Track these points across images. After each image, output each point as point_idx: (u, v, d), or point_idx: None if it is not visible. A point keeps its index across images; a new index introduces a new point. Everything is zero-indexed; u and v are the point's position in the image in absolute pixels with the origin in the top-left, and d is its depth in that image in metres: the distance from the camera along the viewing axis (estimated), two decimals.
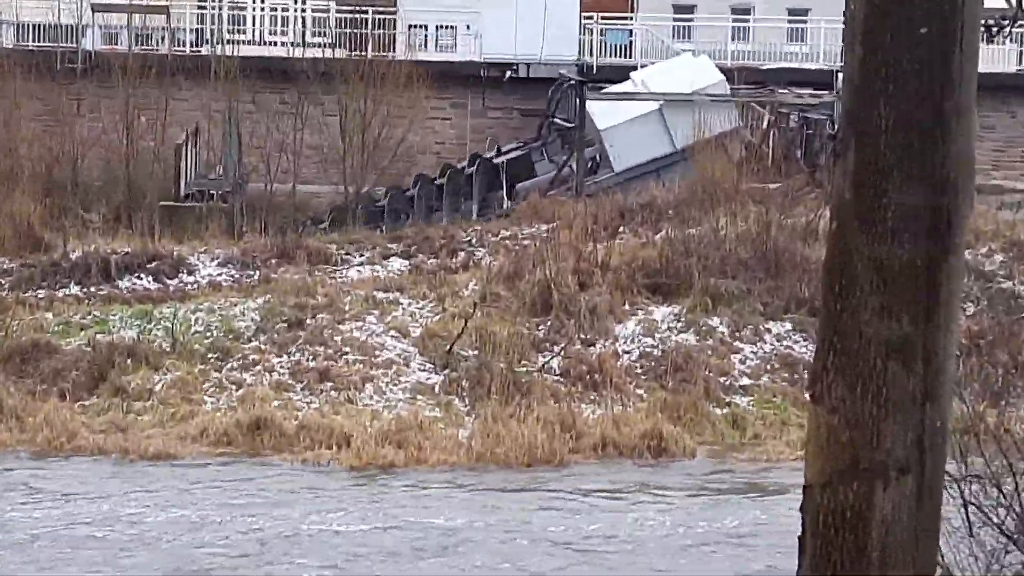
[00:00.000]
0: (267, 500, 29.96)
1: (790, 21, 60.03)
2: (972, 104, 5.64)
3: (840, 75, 53.54)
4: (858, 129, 5.72)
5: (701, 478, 32.30)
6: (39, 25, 57.16)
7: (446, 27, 58.41)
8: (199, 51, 55.74)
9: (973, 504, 6.99)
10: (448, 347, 37.14)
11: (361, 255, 43.48)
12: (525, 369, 36.46)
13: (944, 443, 5.84)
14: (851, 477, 5.73)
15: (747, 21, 60.42)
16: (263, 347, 37.54)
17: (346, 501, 29.88)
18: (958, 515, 6.77)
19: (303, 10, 60.85)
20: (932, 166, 5.63)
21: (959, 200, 5.65)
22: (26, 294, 40.02)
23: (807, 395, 5.77)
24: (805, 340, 37.60)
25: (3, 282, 39.68)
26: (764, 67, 54.27)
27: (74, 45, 55.22)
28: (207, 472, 31.67)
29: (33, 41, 55.71)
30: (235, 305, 39.32)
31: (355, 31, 56.95)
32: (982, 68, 6.24)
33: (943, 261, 5.74)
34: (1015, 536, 6.94)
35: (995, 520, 6.92)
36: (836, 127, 5.65)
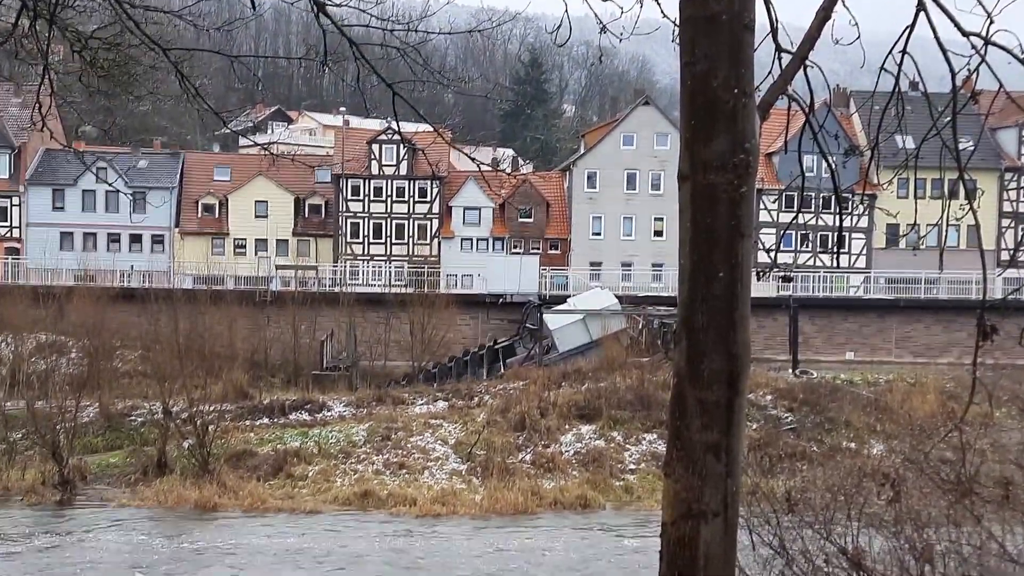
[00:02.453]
0: (372, 533, 29.54)
1: (653, 269, 60.76)
2: (747, 312, 5.74)
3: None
4: (687, 327, 5.80)
5: (608, 519, 31.89)
6: (247, 277, 57.75)
7: (468, 275, 59.14)
8: (334, 289, 56.10)
9: (755, 532, 7.00)
10: (469, 450, 36.89)
11: (422, 399, 43.34)
12: (511, 460, 36.15)
13: (738, 499, 5.87)
14: (687, 518, 5.74)
15: (630, 270, 61.13)
16: (368, 450, 37.22)
17: (413, 534, 29.47)
18: (748, 539, 6.80)
19: (389, 266, 61.55)
20: (728, 347, 5.71)
21: (743, 366, 5.75)
22: (239, 423, 39.79)
23: (663, 472, 5.81)
24: (663, 443, 37.25)
25: (227, 417, 39.55)
26: (640, 295, 54.72)
27: (265, 288, 55.71)
28: (338, 520, 31.27)
29: (244, 286, 56.16)
30: (353, 427, 39.06)
31: (418, 277, 57.59)
32: (756, 293, 6.38)
33: (735, 399, 5.79)
34: (778, 550, 6.96)
35: (767, 540, 6.94)
36: (676, 327, 5.85)
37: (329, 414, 41.41)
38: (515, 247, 62.80)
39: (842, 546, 6.60)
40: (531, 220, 63.44)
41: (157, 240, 63.17)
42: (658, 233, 62.10)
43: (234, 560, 26.22)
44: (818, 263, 60.38)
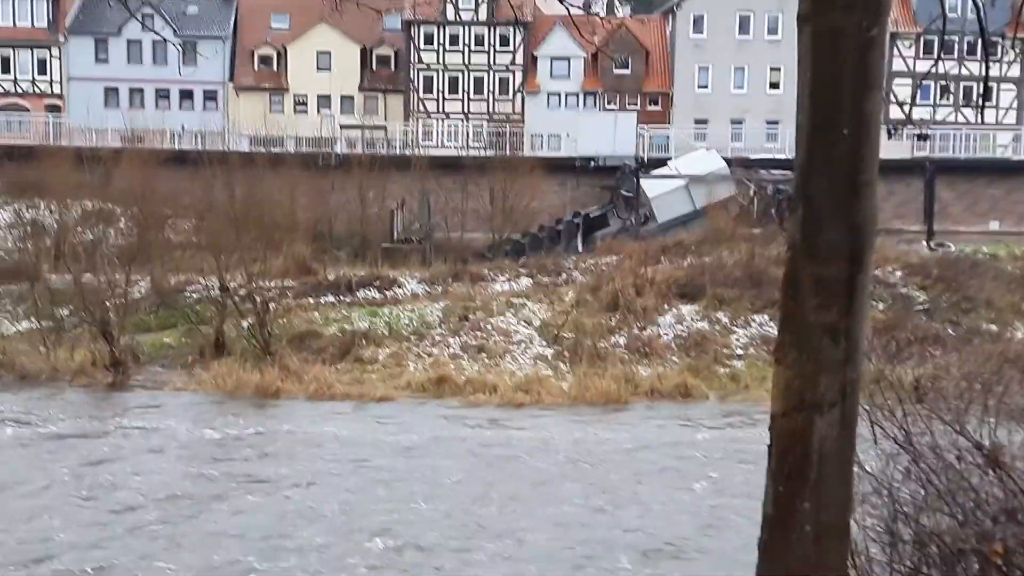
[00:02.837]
0: (446, 421, 30.11)
1: (767, 127, 59.61)
2: (875, 178, 5.64)
3: None
4: (803, 195, 5.72)
5: (711, 410, 32.05)
6: (309, 138, 58.01)
7: (555, 135, 58.64)
8: (405, 152, 56.21)
9: (877, 425, 6.96)
10: (556, 332, 37.12)
11: (503, 276, 43.53)
12: (603, 345, 36.36)
13: (858, 388, 5.83)
14: (799, 409, 5.73)
15: (740, 128, 60.06)
16: (444, 332, 37.64)
17: (494, 424, 29.95)
18: (869, 432, 6.76)
19: (467, 125, 61.33)
20: (850, 217, 5.63)
21: (867, 238, 5.66)
22: (302, 301, 40.42)
23: (773, 358, 5.79)
24: (775, 326, 37.08)
25: (289, 294, 40.19)
26: (751, 157, 53.87)
27: (329, 150, 56.00)
28: (409, 407, 31.90)
29: (306, 148, 56.50)
30: (427, 307, 39.47)
31: (499, 138, 57.34)
32: (886, 154, 6.22)
33: (857, 276, 5.73)
34: (904, 444, 6.92)
35: (890, 434, 6.90)
36: (792, 193, 5.72)
37: (400, 292, 41.87)
38: (609, 103, 62.01)
39: (978, 441, 6.53)
40: (628, 72, 62.41)
41: (210, 96, 63.63)
42: (774, 85, 60.68)
43: (300, 450, 26.95)
44: (960, 119, 58.64)
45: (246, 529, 20.94)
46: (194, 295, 40.67)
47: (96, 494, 23.08)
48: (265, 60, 64.17)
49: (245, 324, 36.50)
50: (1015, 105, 61.46)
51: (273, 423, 29.74)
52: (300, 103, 63.66)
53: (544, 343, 36.78)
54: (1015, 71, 59.63)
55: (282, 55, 63.82)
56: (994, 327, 37.42)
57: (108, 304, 36.34)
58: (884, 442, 7.15)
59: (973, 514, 6.16)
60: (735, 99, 61.28)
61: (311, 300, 40.70)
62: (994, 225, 54.22)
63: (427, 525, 21.22)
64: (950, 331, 36.16)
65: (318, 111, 62.84)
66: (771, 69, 60.72)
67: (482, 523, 21.45)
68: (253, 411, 31.02)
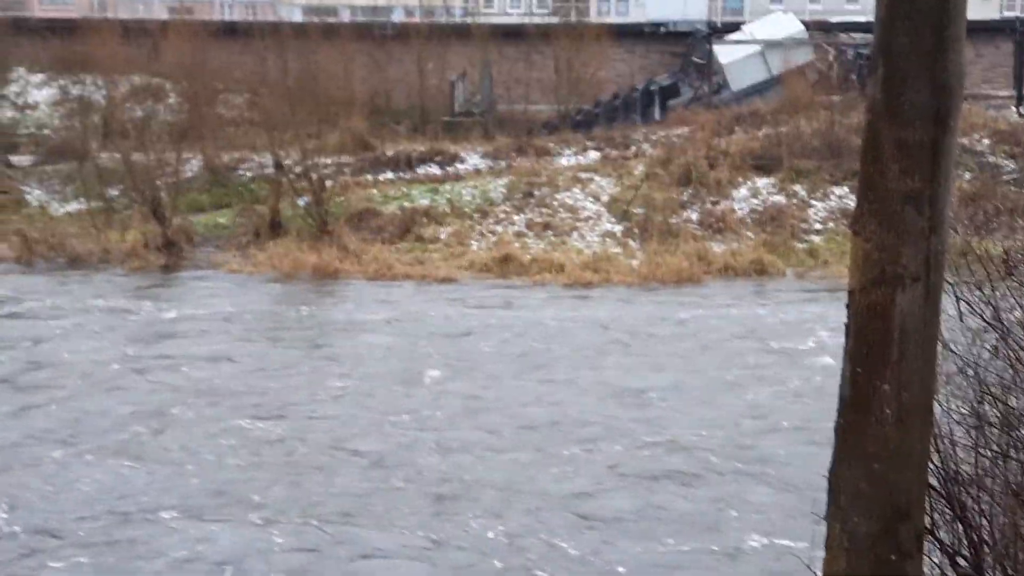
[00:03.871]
0: (513, 302, 30.15)
1: None
2: (963, 33, 5.44)
3: None
4: (885, 52, 5.51)
5: (789, 287, 31.77)
6: (364, 7, 57.32)
7: (622, 0, 57.53)
8: (465, 20, 55.37)
9: (963, 300, 6.71)
10: (625, 207, 36.81)
11: (569, 149, 43.09)
12: (674, 220, 36.03)
13: (943, 260, 5.64)
14: (879, 284, 5.59)
15: None
16: (508, 209, 37.50)
17: (562, 304, 29.92)
18: (954, 307, 6.53)
19: None
20: (935, 76, 5.44)
21: (953, 100, 5.48)
22: (359, 178, 40.38)
23: (851, 230, 5.59)
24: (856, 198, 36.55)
25: (346, 170, 40.17)
26: (831, 20, 52.45)
27: (386, 19, 55.37)
28: (475, 287, 31.94)
29: (361, 17, 55.89)
30: (490, 183, 39.27)
31: (564, 4, 56.31)
32: (973, 13, 5.90)
33: (942, 140, 5.56)
34: (992, 321, 6.68)
35: (978, 311, 6.65)
36: (872, 51, 5.40)
37: (462, 167, 41.65)
38: None
39: None
40: None
41: None
42: None
43: (362, 332, 27.17)
44: None
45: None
46: (248, 173, 40.80)
47: (159, 378, 23.53)
48: None
49: (301, 203, 36.58)
50: None
51: (332, 304, 29.97)
52: None
53: (613, 219, 36.53)
54: None
55: None
56: None
57: (159, 183, 36.57)
58: (969, 319, 6.91)
59: None
60: None
61: (369, 177, 40.67)
62: None
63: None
64: None
65: None
66: None
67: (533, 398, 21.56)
68: (312, 292, 31.29)
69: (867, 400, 5.62)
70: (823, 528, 5.31)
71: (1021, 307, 6.59)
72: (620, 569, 14.94)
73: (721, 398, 21.78)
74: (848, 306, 5.69)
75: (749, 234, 35.26)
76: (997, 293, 6.73)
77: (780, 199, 37.03)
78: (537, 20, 54.49)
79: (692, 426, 20.15)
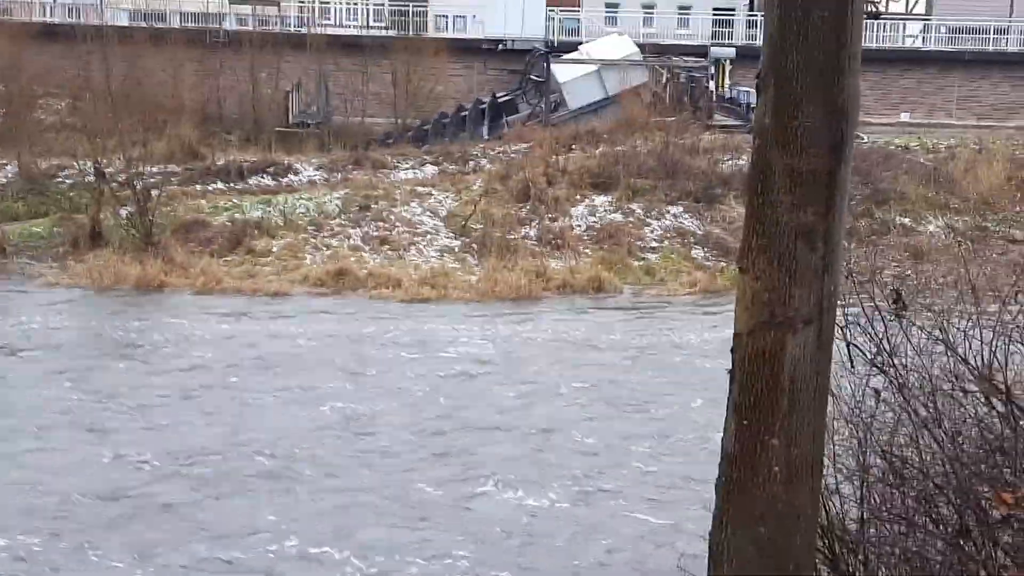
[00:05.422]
0: (347, 318, 29.19)
1: (679, 13, 58.84)
2: (859, 54, 4.96)
3: (711, 49, 52.74)
4: (776, 71, 4.96)
5: (625, 304, 31.62)
6: (195, 13, 55.74)
7: (460, 16, 57.23)
8: (300, 30, 54.21)
9: (853, 344, 6.21)
10: (463, 223, 36.25)
11: (406, 163, 42.37)
12: (513, 237, 35.60)
13: (836, 302, 5.10)
14: (769, 327, 5.03)
15: (652, 13, 59.17)
16: (343, 222, 36.54)
17: (397, 319, 29.09)
18: (843, 352, 6.05)
19: (367, 3, 59.51)
20: (831, 98, 4.93)
21: (849, 125, 4.99)
22: (188, 188, 38.96)
23: (737, 267, 4.99)
24: (691, 217, 36.94)
25: (173, 180, 38.65)
26: (663, 43, 53.07)
27: (218, 26, 53.87)
28: (307, 303, 30.88)
29: (191, 23, 54.28)
30: (325, 195, 38.22)
31: (401, 18, 55.69)
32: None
33: (838, 170, 5.04)
34: (880, 364, 6.19)
35: (867, 355, 6.17)
36: (761, 69, 4.94)
37: (296, 179, 40.60)
38: None
39: (971, 361, 5.77)
40: None
41: None
42: None
43: (186, 349, 25.84)
44: (868, 7, 58.31)
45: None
46: (68, 181, 38.84)
47: None
48: None
49: (124, 212, 34.90)
50: None
51: (155, 319, 28.48)
52: None
53: (451, 235, 35.92)
54: None
55: None
56: (907, 220, 37.52)
57: None
58: (860, 364, 6.41)
59: (963, 448, 5.47)
60: None
61: (198, 187, 39.29)
62: (905, 116, 54.28)
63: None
64: (861, 224, 36.04)
65: None
66: None
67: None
68: (134, 306, 29.73)
69: (754, 456, 5.05)
70: None
71: (915, 350, 6.10)
72: None
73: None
74: (733, 351, 5.12)
75: (587, 251, 35.06)
76: (889, 335, 6.23)
77: (617, 217, 36.96)
78: (375, 33, 53.69)
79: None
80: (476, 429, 20.43)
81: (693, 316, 29.43)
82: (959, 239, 35.53)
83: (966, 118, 54.98)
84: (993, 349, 5.72)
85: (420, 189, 38.80)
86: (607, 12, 59.12)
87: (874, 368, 6.24)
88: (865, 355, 6.23)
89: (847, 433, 6.18)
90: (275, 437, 19.72)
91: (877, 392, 6.27)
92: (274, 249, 34.69)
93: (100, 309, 29.39)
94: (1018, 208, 38.89)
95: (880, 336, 6.18)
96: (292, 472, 18.25)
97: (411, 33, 53.04)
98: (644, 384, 23.26)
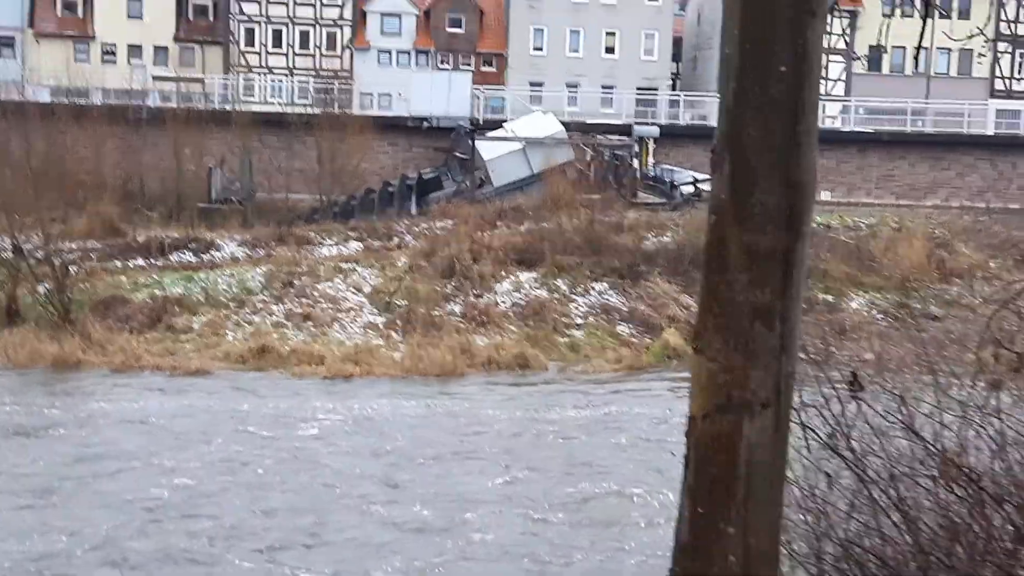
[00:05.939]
0: (268, 395, 28.57)
1: (603, 92, 59.56)
2: (816, 128, 4.83)
3: (635, 127, 53.37)
4: (732, 146, 4.82)
5: (551, 381, 31.33)
6: (118, 90, 55.34)
7: (386, 94, 57.49)
8: (224, 107, 54.00)
9: (809, 428, 6.02)
10: (388, 299, 35.93)
11: (331, 239, 42.09)
12: (438, 313, 35.29)
13: (792, 384, 4.92)
14: (725, 410, 4.83)
15: (576, 92, 59.85)
16: (266, 299, 36.05)
17: (320, 397, 28.54)
18: (799, 435, 5.86)
19: (292, 81, 59.54)
20: (788, 173, 4.78)
21: (806, 201, 4.84)
22: (108, 264, 38.30)
23: (692, 347, 4.78)
24: (616, 295, 36.94)
25: (93, 256, 37.98)
26: (588, 121, 53.65)
27: (140, 103, 53.51)
28: (229, 380, 30.22)
29: (114, 100, 53.83)
30: (247, 271, 37.77)
31: (326, 96, 55.77)
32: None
33: (795, 247, 4.88)
34: (835, 447, 6.00)
35: (820, 436, 5.98)
36: (715, 144, 4.81)
37: (219, 255, 40.13)
38: (442, 62, 61.04)
39: (931, 442, 5.60)
40: (461, 31, 61.46)
41: (6, 43, 60.46)
42: (609, 50, 60.66)
43: (103, 429, 25.05)
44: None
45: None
46: None
47: None
48: (69, 6, 61.00)
49: (42, 289, 34.10)
50: (843, 77, 62.86)
51: (72, 399, 27.65)
52: (108, 52, 60.76)
53: (375, 311, 35.54)
54: (842, 44, 60.98)
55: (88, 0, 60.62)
56: (830, 297, 37.86)
57: None
58: (816, 448, 6.20)
59: (924, 534, 5.27)
60: (570, 62, 61.01)
61: (118, 263, 38.72)
62: (826, 195, 55.21)
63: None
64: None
65: (128, 61, 59.95)
66: (606, 33, 60.63)
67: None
68: (50, 386, 28.88)
69: (709, 546, 4.80)
70: None
71: (873, 431, 5.92)
72: None
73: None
74: (688, 434, 4.90)
75: (512, 328, 34.81)
76: (845, 415, 6.05)
77: (543, 293, 36.85)
78: (299, 110, 53.67)
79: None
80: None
81: (602, 392, 29.15)
82: (882, 315, 36.02)
83: (884, 197, 56.16)
84: (957, 431, 5.57)
85: (344, 265, 38.49)
86: (532, 91, 59.72)
87: (829, 451, 6.05)
88: (820, 438, 6.03)
89: (801, 519, 5.96)
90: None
91: (829, 476, 6.08)
92: (195, 326, 34.09)
93: (8, 388, 28.47)
94: (938, 285, 39.48)
95: (837, 417, 6.00)
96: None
97: (336, 110, 53.12)
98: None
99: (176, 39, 61.26)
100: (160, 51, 60.98)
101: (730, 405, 4.72)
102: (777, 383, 4.77)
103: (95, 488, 20.79)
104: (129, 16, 60.55)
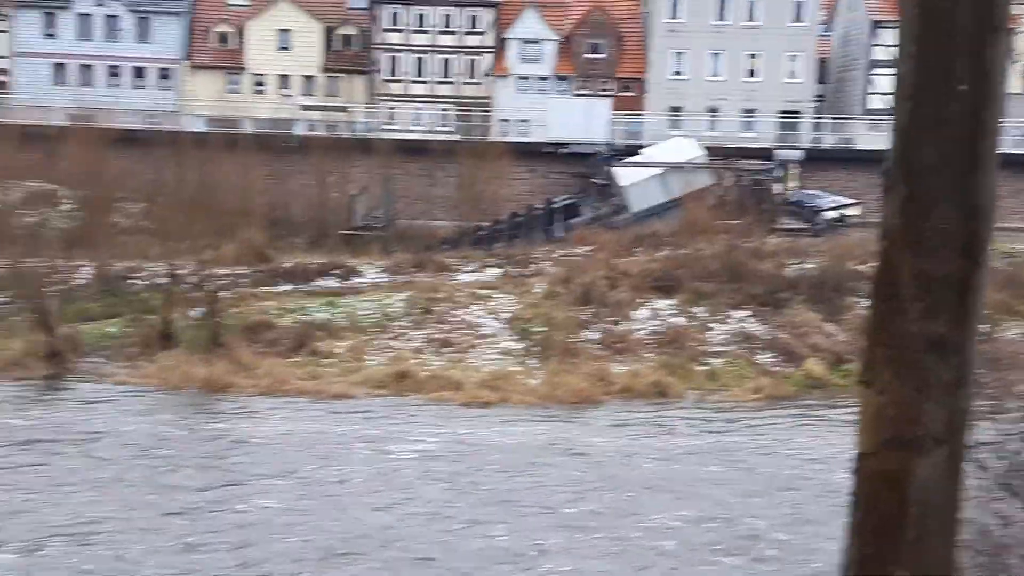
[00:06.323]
0: (408, 421, 28.81)
1: (744, 116, 58.87)
2: (996, 149, 4.55)
3: (776, 151, 52.59)
4: (905, 168, 4.55)
5: (689, 411, 30.93)
6: (266, 120, 56.80)
7: (524, 120, 57.73)
8: (368, 135, 54.95)
9: (988, 467, 5.73)
10: (525, 325, 35.94)
11: (469, 266, 42.36)
12: (575, 340, 35.18)
13: (968, 420, 4.63)
14: (895, 447, 4.54)
15: (716, 117, 59.26)
16: (406, 325, 36.41)
17: (460, 422, 28.66)
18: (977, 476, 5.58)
19: (434, 111, 60.34)
20: (966, 197, 4.50)
21: (986, 226, 4.55)
22: (256, 290, 39.11)
23: (860, 380, 4.56)
24: (756, 322, 36.31)
25: (242, 282, 38.86)
26: (728, 146, 53.04)
27: (288, 131, 54.78)
28: (370, 405, 30.57)
29: (263, 129, 55.25)
30: (388, 297, 38.21)
31: (466, 123, 56.31)
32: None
33: (973, 274, 4.57)
34: (1013, 487, 5.69)
35: (1003, 479, 5.68)
36: (885, 166, 4.67)
37: (361, 281, 40.64)
38: (581, 88, 60.99)
39: None
40: (601, 56, 61.37)
41: (164, 75, 62.32)
42: (751, 73, 59.81)
43: (250, 450, 25.58)
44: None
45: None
46: (141, 282, 39.17)
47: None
48: (223, 38, 62.77)
49: (194, 314, 35.00)
50: None
51: (221, 420, 28.31)
52: (259, 83, 62.33)
53: (513, 337, 35.57)
54: None
55: (240, 33, 62.40)
56: (986, 326, 36.57)
57: (47, 291, 34.73)
58: (996, 489, 5.89)
59: None
60: (711, 86, 60.40)
61: (265, 289, 39.39)
62: None
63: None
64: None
65: (277, 91, 61.48)
66: (747, 55, 59.88)
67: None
68: (200, 408, 29.62)
69: None
70: None
71: None
72: None
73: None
74: (856, 471, 4.64)
75: (649, 355, 34.50)
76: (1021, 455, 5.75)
77: (681, 321, 36.45)
78: (440, 137, 54.33)
79: None
80: None
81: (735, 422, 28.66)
82: None
83: None
84: None
85: (482, 292, 38.67)
86: (671, 116, 59.32)
87: (1005, 490, 5.73)
88: (995, 477, 5.73)
89: (973, 561, 5.67)
90: None
91: (1005, 518, 5.76)
92: (337, 351, 34.54)
93: (159, 410, 29.27)
94: None
95: (1013, 456, 5.69)
96: None
97: (476, 137, 53.61)
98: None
99: (323, 69, 62.61)
100: (307, 81, 62.39)
101: (900, 441, 4.47)
102: (952, 419, 4.50)
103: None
104: (279, 48, 62.12)
